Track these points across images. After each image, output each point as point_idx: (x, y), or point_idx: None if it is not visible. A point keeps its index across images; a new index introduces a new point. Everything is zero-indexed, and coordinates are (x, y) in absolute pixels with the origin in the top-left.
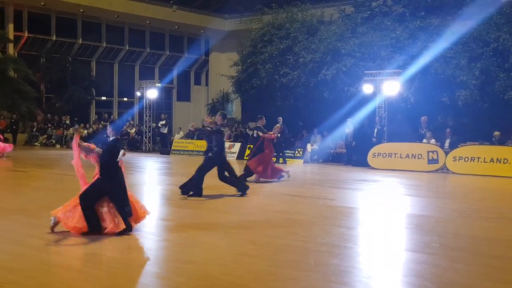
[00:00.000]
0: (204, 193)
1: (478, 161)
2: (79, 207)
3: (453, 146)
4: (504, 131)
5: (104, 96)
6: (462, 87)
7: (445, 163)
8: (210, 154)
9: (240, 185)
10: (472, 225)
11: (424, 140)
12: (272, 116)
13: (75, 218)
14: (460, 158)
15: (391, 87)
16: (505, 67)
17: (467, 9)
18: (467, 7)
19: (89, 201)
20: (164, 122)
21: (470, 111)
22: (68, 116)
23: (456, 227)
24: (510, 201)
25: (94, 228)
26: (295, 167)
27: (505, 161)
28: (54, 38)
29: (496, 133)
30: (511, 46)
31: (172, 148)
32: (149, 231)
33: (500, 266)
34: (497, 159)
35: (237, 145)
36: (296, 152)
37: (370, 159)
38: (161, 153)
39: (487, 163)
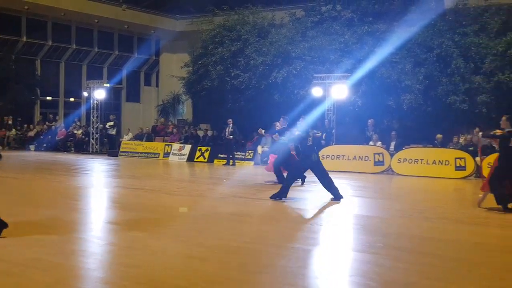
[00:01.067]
0: (151, 195)
1: (421, 163)
2: None
3: (398, 148)
4: (446, 134)
5: (50, 96)
6: (407, 91)
7: (390, 165)
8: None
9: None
10: (414, 225)
11: (371, 143)
12: (223, 118)
13: None
14: (405, 160)
15: (340, 90)
16: (448, 72)
17: (412, 15)
18: (412, 13)
19: None
20: (112, 123)
21: (415, 114)
22: (11, 117)
23: (399, 227)
24: (451, 202)
25: None
26: (245, 169)
27: (447, 163)
28: None
29: (439, 135)
30: (454, 52)
31: (120, 150)
32: (95, 235)
33: (438, 264)
34: (439, 161)
35: (188, 147)
36: (247, 154)
37: None
38: (109, 155)
39: (430, 165)
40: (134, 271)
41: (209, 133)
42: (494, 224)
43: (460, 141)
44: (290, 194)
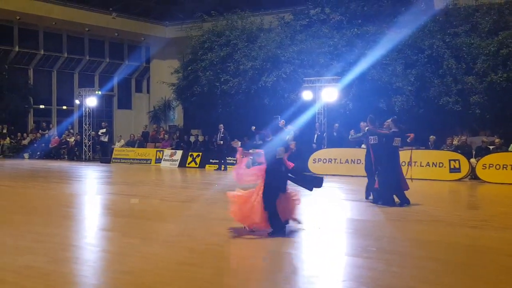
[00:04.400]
0: (143, 201)
1: (415, 165)
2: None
3: None
4: (440, 136)
5: (42, 104)
6: (398, 93)
7: None
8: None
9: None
10: (406, 228)
11: (363, 146)
12: (214, 123)
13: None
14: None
15: (330, 93)
16: (439, 73)
17: (402, 17)
18: (402, 15)
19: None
20: (104, 130)
21: (407, 116)
22: (5, 125)
23: (391, 230)
24: (443, 204)
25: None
26: None
27: (441, 164)
28: None
29: (432, 137)
30: (444, 53)
31: (113, 156)
32: (88, 242)
33: (433, 267)
34: (433, 163)
35: (179, 153)
36: None
37: (310, 164)
38: (102, 162)
39: (423, 167)
40: (127, 277)
41: (200, 138)
42: (489, 226)
43: (453, 143)
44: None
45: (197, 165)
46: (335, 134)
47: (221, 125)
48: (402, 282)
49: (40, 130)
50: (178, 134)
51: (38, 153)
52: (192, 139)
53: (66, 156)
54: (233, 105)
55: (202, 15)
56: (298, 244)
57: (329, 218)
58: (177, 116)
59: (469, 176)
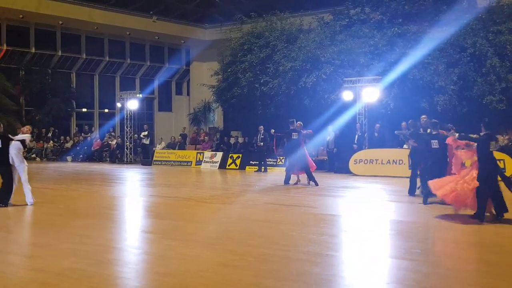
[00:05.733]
0: (185, 203)
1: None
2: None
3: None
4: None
5: (85, 108)
6: (441, 93)
7: None
8: None
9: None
10: (451, 230)
11: (405, 146)
12: (253, 124)
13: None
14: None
15: (371, 93)
16: (482, 72)
17: (444, 16)
18: (444, 13)
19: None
20: (146, 132)
21: (449, 116)
22: (51, 128)
23: (436, 232)
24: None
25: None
26: (277, 175)
27: None
28: (33, 50)
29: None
30: (488, 51)
31: (154, 158)
32: (130, 244)
33: (480, 269)
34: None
35: (219, 154)
36: (278, 160)
37: (351, 165)
38: (143, 164)
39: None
40: (168, 279)
41: (240, 140)
42: None
43: (499, 142)
44: (321, 201)
45: (237, 167)
46: (376, 134)
47: (261, 126)
48: (448, 284)
49: (82, 133)
50: (218, 136)
51: (81, 156)
52: (232, 140)
53: (108, 159)
54: (272, 106)
55: (241, 17)
56: (339, 246)
57: (372, 219)
58: (217, 118)
59: None
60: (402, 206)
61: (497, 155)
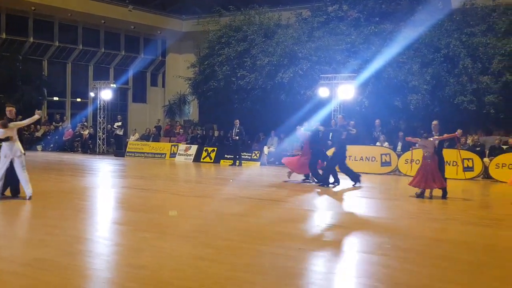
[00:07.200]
0: (158, 196)
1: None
2: None
3: (405, 149)
4: None
5: (57, 96)
6: (414, 92)
7: (397, 165)
8: None
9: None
10: (422, 226)
11: (378, 143)
12: (229, 118)
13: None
14: (412, 160)
15: (346, 91)
16: (455, 72)
17: (419, 15)
18: (419, 13)
19: None
20: (120, 123)
21: (422, 115)
22: (20, 117)
23: (406, 228)
24: (458, 203)
25: None
26: (252, 170)
27: (454, 163)
28: (4, 36)
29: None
30: (461, 52)
31: (127, 150)
32: (102, 236)
33: (447, 266)
34: (447, 161)
35: (194, 147)
36: (253, 154)
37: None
38: (116, 155)
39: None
40: (141, 272)
41: (215, 133)
42: (503, 226)
43: (468, 142)
44: (296, 196)
45: (212, 160)
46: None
47: (237, 120)
48: (416, 280)
49: (53, 122)
50: (193, 129)
51: (52, 145)
52: (207, 134)
53: (79, 149)
54: (249, 101)
55: (219, 9)
56: (312, 240)
57: (345, 214)
58: (192, 111)
59: (482, 175)
60: (373, 202)
61: (466, 154)
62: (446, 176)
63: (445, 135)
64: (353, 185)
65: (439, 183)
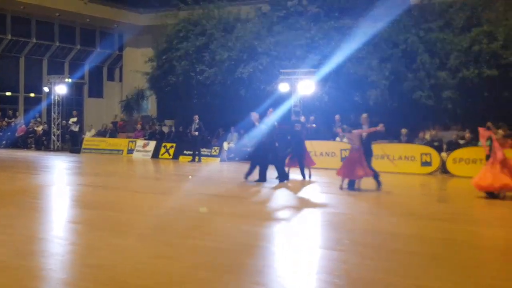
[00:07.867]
0: (115, 193)
1: (387, 159)
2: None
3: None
4: (412, 130)
5: (9, 91)
6: (373, 87)
7: None
8: None
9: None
10: (380, 221)
11: (337, 139)
12: (188, 114)
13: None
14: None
15: (306, 86)
16: (413, 68)
17: (378, 11)
18: (378, 8)
19: None
20: (75, 119)
21: (380, 110)
22: None
23: (365, 223)
24: (415, 197)
25: None
26: (211, 166)
27: (413, 158)
28: None
29: (403, 130)
30: (419, 48)
31: (83, 146)
32: (56, 235)
33: (406, 261)
34: (405, 156)
35: (152, 143)
36: (213, 150)
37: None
38: (71, 152)
39: (396, 160)
40: (97, 271)
41: (174, 129)
42: (459, 220)
43: (425, 137)
44: (255, 192)
45: (171, 156)
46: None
47: (196, 116)
48: (375, 274)
49: (6, 118)
50: (151, 124)
51: (4, 142)
52: (165, 129)
53: (33, 146)
54: (208, 96)
55: (177, 3)
56: (271, 237)
57: (304, 210)
58: (150, 106)
59: (440, 170)
60: (332, 198)
61: (424, 149)
62: (405, 171)
63: (371, 129)
64: (279, 182)
65: (364, 172)
